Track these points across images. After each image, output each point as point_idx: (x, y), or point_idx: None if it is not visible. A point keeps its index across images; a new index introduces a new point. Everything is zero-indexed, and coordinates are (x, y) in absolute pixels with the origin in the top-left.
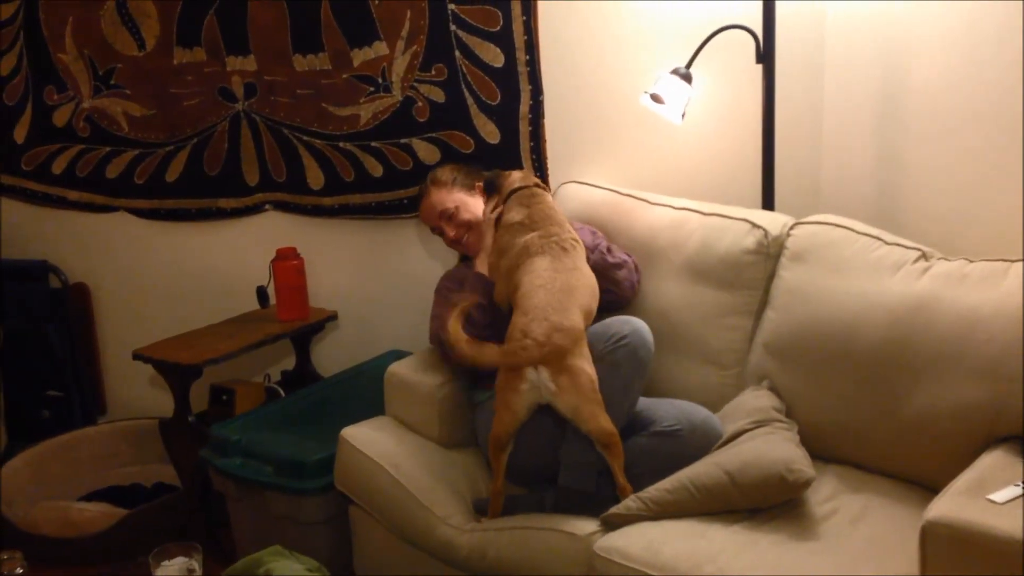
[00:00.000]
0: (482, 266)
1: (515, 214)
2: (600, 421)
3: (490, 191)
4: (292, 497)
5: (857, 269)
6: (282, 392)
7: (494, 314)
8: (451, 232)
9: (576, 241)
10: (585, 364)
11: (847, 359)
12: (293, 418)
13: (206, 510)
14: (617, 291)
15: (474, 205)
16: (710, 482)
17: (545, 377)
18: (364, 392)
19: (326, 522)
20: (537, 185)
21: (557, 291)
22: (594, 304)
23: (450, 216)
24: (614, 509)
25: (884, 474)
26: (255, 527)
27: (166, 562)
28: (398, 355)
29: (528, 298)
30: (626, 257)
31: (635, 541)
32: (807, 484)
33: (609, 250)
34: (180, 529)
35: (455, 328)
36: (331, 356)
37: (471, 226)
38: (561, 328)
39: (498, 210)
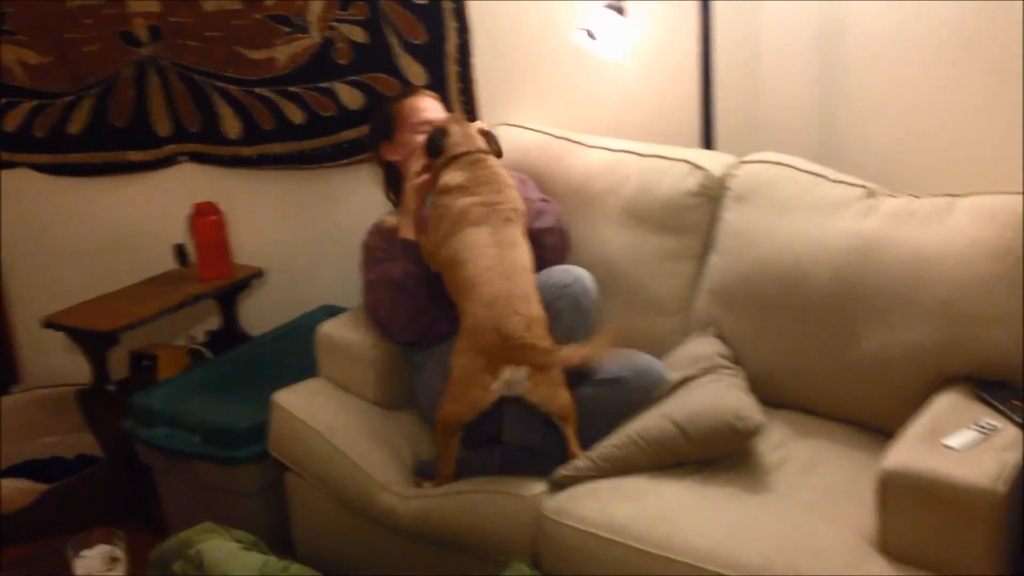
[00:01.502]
0: (407, 231)
1: (456, 176)
2: (563, 400)
3: (433, 152)
4: (224, 467)
5: (802, 208)
6: (208, 354)
7: (429, 279)
8: None
9: (516, 211)
10: (553, 352)
11: (795, 302)
12: (221, 382)
13: (133, 483)
14: (548, 256)
15: None
16: (659, 435)
17: (522, 375)
18: (296, 351)
19: (261, 491)
20: (481, 151)
21: (509, 275)
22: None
23: None
24: (563, 470)
25: (833, 418)
26: (186, 499)
27: (86, 551)
28: (331, 310)
29: (481, 285)
30: (550, 208)
31: (585, 502)
32: (756, 431)
33: (539, 213)
34: (106, 504)
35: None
36: (259, 314)
37: None
38: (533, 318)
39: (423, 177)
